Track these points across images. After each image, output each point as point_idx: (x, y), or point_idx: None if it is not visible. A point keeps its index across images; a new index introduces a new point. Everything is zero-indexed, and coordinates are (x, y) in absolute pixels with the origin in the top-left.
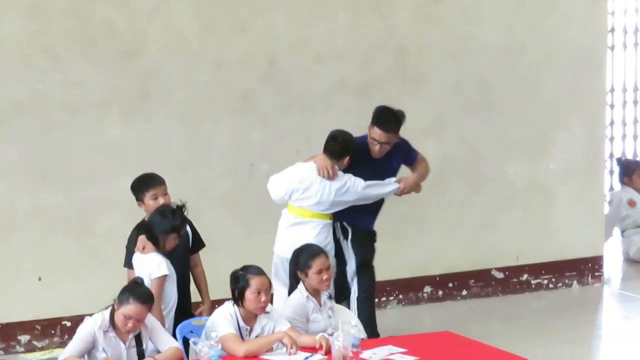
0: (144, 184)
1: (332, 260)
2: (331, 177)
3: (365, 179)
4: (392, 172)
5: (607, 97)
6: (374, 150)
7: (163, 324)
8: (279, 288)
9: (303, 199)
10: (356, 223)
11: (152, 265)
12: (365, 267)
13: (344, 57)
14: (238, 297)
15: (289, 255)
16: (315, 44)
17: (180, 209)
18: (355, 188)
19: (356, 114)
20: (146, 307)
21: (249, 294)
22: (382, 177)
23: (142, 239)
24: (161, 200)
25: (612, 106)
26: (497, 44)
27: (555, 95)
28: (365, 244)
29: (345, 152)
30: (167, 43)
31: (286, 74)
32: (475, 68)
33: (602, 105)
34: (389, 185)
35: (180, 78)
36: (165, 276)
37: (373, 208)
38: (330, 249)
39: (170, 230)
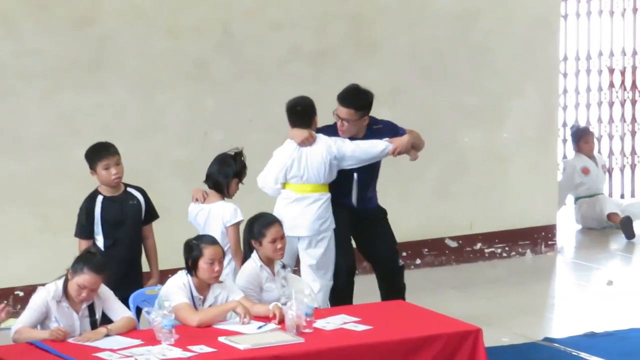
0: (97, 154)
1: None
2: (311, 142)
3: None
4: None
5: (560, 65)
6: (340, 129)
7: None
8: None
9: (299, 176)
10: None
11: (227, 213)
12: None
13: (299, 25)
14: (191, 267)
15: (291, 233)
16: (269, 12)
17: (240, 154)
18: (345, 146)
19: (311, 82)
20: (100, 276)
21: (203, 264)
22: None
23: (197, 190)
24: (113, 171)
25: (565, 75)
26: (452, 11)
27: (509, 63)
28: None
29: (310, 114)
30: (121, 10)
31: (241, 42)
32: (430, 35)
33: (555, 73)
34: (379, 144)
35: (134, 46)
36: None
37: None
38: (331, 223)
39: (232, 175)
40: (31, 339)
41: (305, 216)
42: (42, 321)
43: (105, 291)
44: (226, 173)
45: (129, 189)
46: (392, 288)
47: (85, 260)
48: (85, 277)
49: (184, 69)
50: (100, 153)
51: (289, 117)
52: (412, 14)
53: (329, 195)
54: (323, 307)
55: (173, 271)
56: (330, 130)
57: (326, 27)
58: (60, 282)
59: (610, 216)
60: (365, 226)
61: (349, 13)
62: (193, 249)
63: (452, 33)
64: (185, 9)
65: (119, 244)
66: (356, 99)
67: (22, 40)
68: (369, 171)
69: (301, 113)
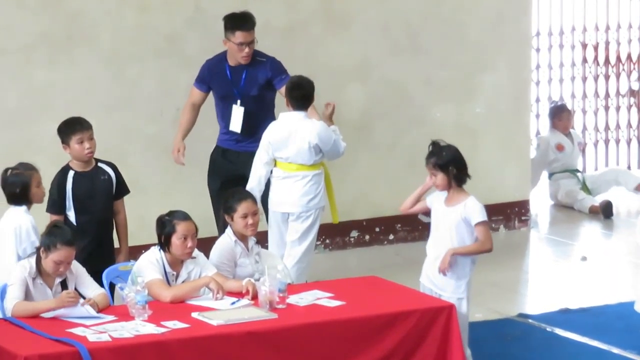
0: (71, 128)
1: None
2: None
3: (227, 92)
4: (255, 85)
5: (533, 41)
6: (243, 56)
7: None
8: (272, 242)
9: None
10: None
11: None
12: None
13: None
14: (164, 243)
15: (280, 209)
16: None
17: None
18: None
19: (281, 56)
20: (73, 247)
21: (175, 240)
22: (244, 89)
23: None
24: (87, 145)
25: (538, 50)
26: None
27: (480, 37)
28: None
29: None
30: None
31: (212, 17)
32: (401, 9)
33: (527, 47)
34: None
35: (105, 21)
36: None
37: None
38: (320, 200)
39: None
40: (38, 311)
41: (292, 192)
42: None
43: (77, 267)
44: None
45: (100, 164)
46: None
47: (56, 235)
48: (60, 252)
49: (155, 45)
50: (74, 127)
51: (290, 98)
52: None
53: (318, 171)
54: (297, 283)
55: (144, 247)
56: (221, 62)
57: (296, 2)
58: (33, 260)
59: (591, 209)
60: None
61: None
62: (166, 225)
63: (422, 7)
64: None
65: (90, 219)
66: (253, 20)
67: None
68: (257, 102)
69: (303, 97)
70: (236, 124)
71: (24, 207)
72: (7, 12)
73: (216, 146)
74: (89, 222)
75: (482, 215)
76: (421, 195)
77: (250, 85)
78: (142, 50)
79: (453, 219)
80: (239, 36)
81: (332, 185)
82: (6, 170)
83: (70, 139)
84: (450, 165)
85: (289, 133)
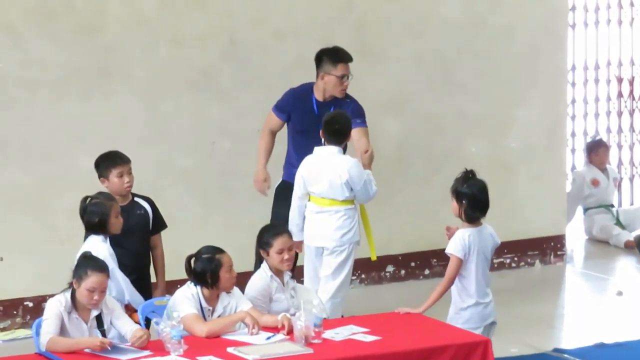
0: (111, 161)
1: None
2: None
3: (310, 126)
4: None
5: (568, 75)
6: (343, 89)
7: None
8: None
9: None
10: None
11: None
12: None
13: (303, 33)
14: (212, 281)
15: (314, 243)
16: (274, 20)
17: None
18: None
19: None
20: (105, 274)
21: (224, 273)
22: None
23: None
24: (126, 179)
25: (573, 84)
26: (457, 18)
27: (515, 72)
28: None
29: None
30: (126, 19)
31: (246, 51)
32: (435, 43)
33: (563, 82)
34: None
35: (139, 54)
36: None
37: None
38: (354, 234)
39: None
40: (71, 348)
41: (326, 226)
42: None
43: (113, 302)
44: None
45: (136, 199)
46: None
47: (85, 264)
48: (92, 279)
49: (189, 78)
50: (114, 160)
51: (325, 132)
52: (417, 22)
53: (352, 206)
54: (332, 318)
55: (179, 281)
56: (308, 94)
57: (331, 36)
58: (68, 294)
59: (627, 244)
60: None
61: (354, 21)
62: (208, 263)
63: (457, 41)
64: (190, 18)
65: (126, 253)
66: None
67: (27, 49)
68: None
69: (337, 132)
70: None
71: (101, 237)
72: (41, 46)
73: (282, 180)
74: (125, 257)
75: (450, 247)
76: None
77: None
78: (176, 84)
79: None
80: (341, 68)
81: (369, 222)
82: (85, 198)
83: (110, 172)
84: (463, 198)
85: (321, 167)
